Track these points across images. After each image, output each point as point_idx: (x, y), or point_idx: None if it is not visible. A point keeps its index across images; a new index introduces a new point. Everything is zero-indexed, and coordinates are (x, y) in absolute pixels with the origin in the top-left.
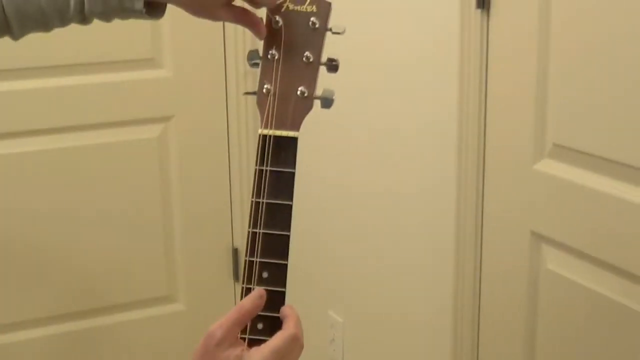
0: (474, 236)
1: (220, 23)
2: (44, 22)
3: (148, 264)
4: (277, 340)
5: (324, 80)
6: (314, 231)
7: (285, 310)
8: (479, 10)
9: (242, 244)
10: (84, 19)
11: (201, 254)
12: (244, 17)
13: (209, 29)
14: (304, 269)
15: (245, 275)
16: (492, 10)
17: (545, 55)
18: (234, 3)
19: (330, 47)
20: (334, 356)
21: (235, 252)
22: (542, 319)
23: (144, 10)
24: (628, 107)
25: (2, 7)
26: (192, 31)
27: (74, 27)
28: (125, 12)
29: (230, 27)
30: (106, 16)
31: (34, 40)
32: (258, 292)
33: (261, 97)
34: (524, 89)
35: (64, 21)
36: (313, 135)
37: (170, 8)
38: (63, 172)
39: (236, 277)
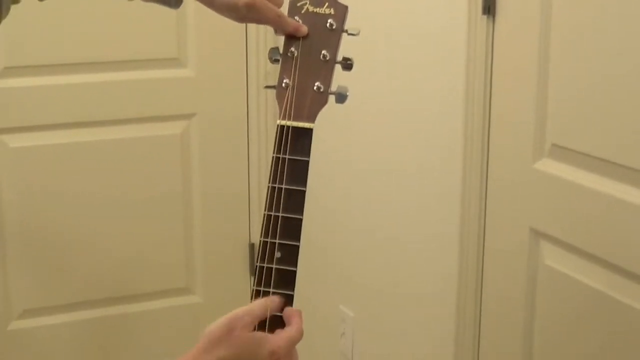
0: (477, 232)
1: (242, 26)
2: None
3: (168, 256)
4: (293, 332)
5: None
6: (325, 230)
7: (293, 312)
8: (485, 16)
9: (258, 239)
10: None
11: (219, 248)
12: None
13: (231, 30)
14: (316, 266)
15: (260, 254)
16: (497, 16)
17: (545, 59)
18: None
19: (345, 46)
20: (344, 350)
21: (252, 247)
22: (540, 312)
23: None
24: (624, 110)
25: None
26: (215, 33)
27: (105, 28)
28: None
29: (252, 28)
30: None
31: (67, 38)
32: (284, 302)
33: (280, 91)
34: (526, 91)
35: None
36: (326, 134)
37: (195, 11)
38: (90, 164)
39: (252, 271)
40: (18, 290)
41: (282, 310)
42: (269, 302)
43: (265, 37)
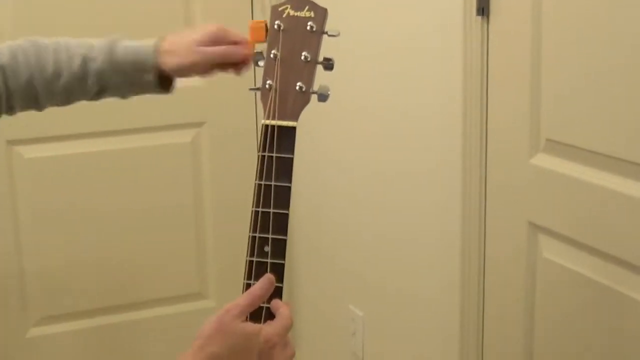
0: (478, 228)
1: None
2: (68, 96)
3: (180, 261)
4: (284, 320)
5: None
6: (334, 231)
7: (280, 303)
8: (479, 17)
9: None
10: (103, 90)
11: (231, 252)
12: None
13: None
14: (325, 267)
15: (249, 249)
16: (491, 16)
17: (538, 57)
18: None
19: (343, 48)
20: (355, 349)
21: None
22: (540, 303)
23: (153, 81)
24: (616, 104)
25: (34, 86)
26: None
27: None
28: (140, 83)
29: None
30: (122, 89)
31: None
32: (268, 278)
33: (264, 92)
34: (520, 89)
35: (85, 93)
36: (331, 138)
37: (201, 22)
38: (102, 173)
39: None
40: (35, 297)
41: (267, 297)
42: (253, 292)
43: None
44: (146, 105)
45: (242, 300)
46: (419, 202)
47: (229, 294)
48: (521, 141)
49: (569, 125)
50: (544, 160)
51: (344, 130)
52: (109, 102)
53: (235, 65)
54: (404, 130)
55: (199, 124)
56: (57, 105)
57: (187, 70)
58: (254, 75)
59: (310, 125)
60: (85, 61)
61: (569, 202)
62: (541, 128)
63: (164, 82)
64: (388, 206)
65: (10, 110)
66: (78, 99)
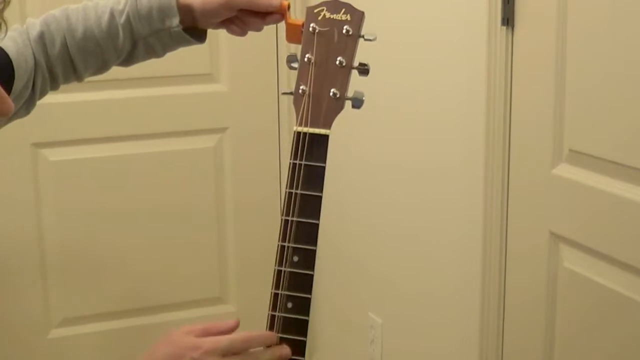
0: (500, 237)
1: (274, 43)
2: (102, 55)
3: (201, 266)
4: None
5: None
6: (353, 239)
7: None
8: (504, 27)
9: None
10: (134, 44)
11: (252, 258)
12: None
13: (262, 47)
14: (345, 274)
15: (277, 258)
16: (516, 26)
17: (562, 68)
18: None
19: (369, 55)
20: (373, 356)
21: None
22: (560, 313)
23: (181, 27)
24: (639, 116)
25: (68, 50)
26: (247, 49)
27: None
28: (167, 30)
29: (283, 45)
30: (153, 42)
31: None
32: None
33: (297, 97)
34: (544, 99)
35: (117, 50)
36: (355, 142)
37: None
38: (125, 176)
39: None
40: (57, 299)
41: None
42: (214, 323)
43: (296, 52)
44: (170, 110)
45: (199, 324)
46: (441, 212)
47: (249, 298)
48: (544, 151)
49: (592, 136)
50: (567, 171)
51: (367, 138)
52: (134, 106)
53: (265, 15)
54: (426, 139)
55: (222, 130)
56: (95, 72)
57: (214, 10)
58: (277, 81)
59: (333, 128)
60: (112, 15)
61: (590, 213)
62: (564, 138)
63: (195, 31)
64: (410, 215)
65: (54, 81)
66: (113, 61)
